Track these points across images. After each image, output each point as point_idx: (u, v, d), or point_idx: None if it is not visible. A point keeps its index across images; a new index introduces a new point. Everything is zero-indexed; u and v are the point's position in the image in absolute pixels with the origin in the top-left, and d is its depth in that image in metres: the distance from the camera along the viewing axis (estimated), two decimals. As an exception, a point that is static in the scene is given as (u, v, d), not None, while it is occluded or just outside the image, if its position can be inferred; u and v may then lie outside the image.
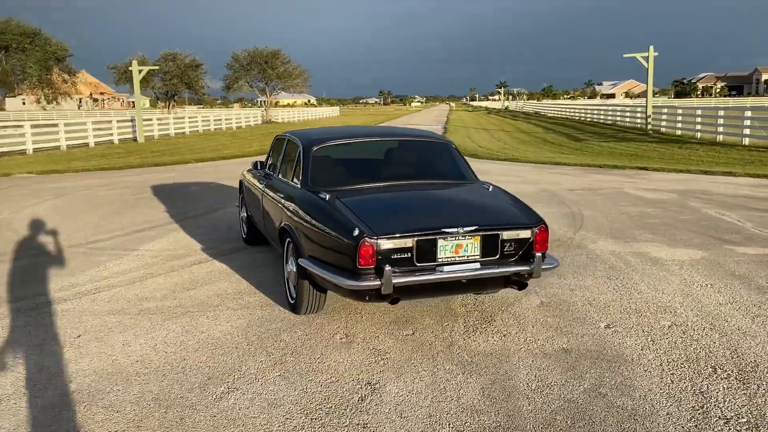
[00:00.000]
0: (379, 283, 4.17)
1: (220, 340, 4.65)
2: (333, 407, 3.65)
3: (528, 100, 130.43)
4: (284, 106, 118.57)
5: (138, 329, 4.89)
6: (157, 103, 55.18)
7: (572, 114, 51.60)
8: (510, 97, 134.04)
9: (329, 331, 4.80)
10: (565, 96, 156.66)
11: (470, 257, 4.46)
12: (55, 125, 27.41)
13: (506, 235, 4.54)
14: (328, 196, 4.83)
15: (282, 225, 5.28)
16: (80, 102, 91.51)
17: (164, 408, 3.64)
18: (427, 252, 4.34)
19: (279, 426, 3.44)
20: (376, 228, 4.29)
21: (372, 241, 4.21)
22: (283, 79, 53.93)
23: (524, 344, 4.56)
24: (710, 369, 4.15)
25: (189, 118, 39.34)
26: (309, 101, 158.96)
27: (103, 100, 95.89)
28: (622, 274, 6.30)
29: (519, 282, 4.65)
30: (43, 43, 40.00)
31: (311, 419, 3.51)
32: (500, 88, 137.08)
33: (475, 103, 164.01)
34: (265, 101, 56.07)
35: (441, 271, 4.37)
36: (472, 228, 4.42)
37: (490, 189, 5.30)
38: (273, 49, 53.60)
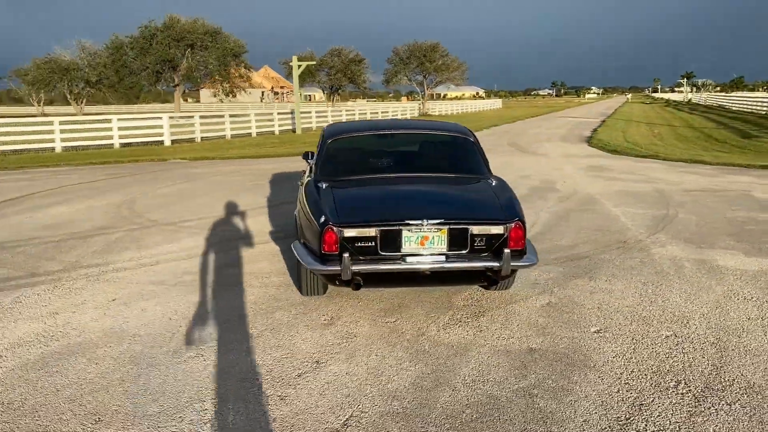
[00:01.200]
0: (339, 268, 4.40)
1: (221, 313, 5.15)
2: (270, 378, 3.97)
3: (718, 91, 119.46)
4: (452, 98, 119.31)
5: (163, 298, 5.53)
6: (328, 96, 58.18)
7: (759, 108, 46.67)
8: (694, 88, 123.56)
9: (319, 313, 5.10)
10: (763, 88, 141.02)
11: (436, 250, 4.53)
12: (222, 116, 30.11)
13: (476, 229, 4.54)
14: (325, 185, 5.15)
15: (295, 212, 5.68)
16: (262, 95, 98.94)
17: (132, 365, 4.18)
18: (391, 242, 4.49)
19: (212, 389, 3.83)
20: (342, 217, 4.52)
21: (335, 228, 4.45)
22: (441, 71, 54.50)
23: (494, 340, 4.55)
24: (673, 383, 3.90)
25: (346, 110, 41.14)
26: (477, 93, 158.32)
27: (283, 93, 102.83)
28: (663, 281, 5.91)
29: (490, 278, 4.63)
30: (223, 41, 43.79)
31: (243, 386, 3.86)
32: (684, 78, 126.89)
33: (657, 95, 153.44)
34: (431, 94, 56.99)
35: (404, 262, 4.50)
36: (438, 221, 4.49)
37: (493, 184, 5.27)
38: (432, 42, 54.35)
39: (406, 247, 4.51)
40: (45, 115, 49.42)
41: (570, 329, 4.76)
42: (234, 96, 45.48)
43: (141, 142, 25.15)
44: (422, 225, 4.47)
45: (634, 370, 4.07)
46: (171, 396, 3.74)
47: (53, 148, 22.61)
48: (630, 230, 8.08)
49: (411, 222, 4.47)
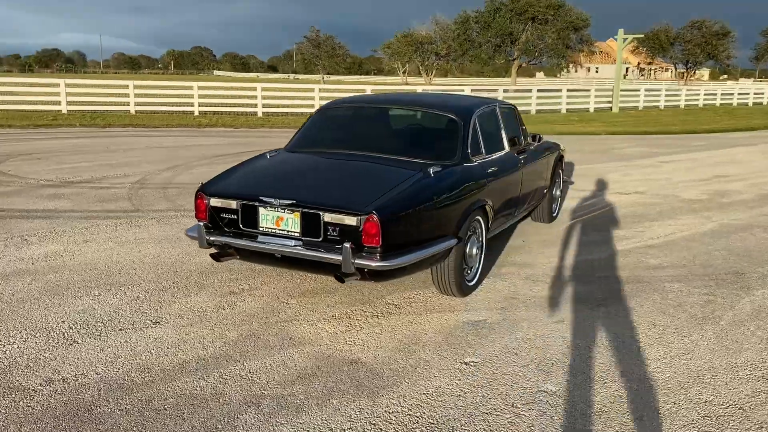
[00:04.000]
0: (197, 236, 4.40)
1: (183, 266, 5.50)
2: (100, 326, 4.21)
3: None
4: None
5: (173, 244, 6.10)
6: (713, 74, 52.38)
7: None
8: None
9: (246, 283, 5.09)
10: None
11: (290, 233, 4.16)
12: (529, 91, 29.77)
13: (328, 217, 4.01)
14: (270, 155, 5.10)
15: None
16: (626, 71, 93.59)
17: (46, 292, 4.83)
18: (250, 218, 4.28)
19: (53, 323, 4.26)
20: (213, 186, 4.47)
21: (204, 197, 4.43)
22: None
23: (338, 344, 4.03)
24: (425, 442, 3.03)
25: (688, 90, 36.62)
26: None
27: (651, 69, 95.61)
28: (685, 328, 4.41)
29: (340, 273, 4.05)
30: (565, 15, 42.72)
31: (70, 327, 4.19)
32: None
33: None
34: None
35: (256, 240, 4.25)
36: (289, 202, 4.10)
37: (432, 172, 4.46)
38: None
39: (263, 226, 4.25)
40: (407, 84, 54.98)
41: (440, 352, 3.94)
42: (567, 71, 44.20)
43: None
44: (273, 204, 4.16)
45: (414, 415, 3.25)
46: (20, 321, 4.29)
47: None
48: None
49: (264, 200, 4.19)
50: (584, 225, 7.28)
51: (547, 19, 42.70)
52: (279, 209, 4.17)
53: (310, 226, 4.09)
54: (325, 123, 5.52)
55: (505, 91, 29.02)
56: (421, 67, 51.00)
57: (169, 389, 3.44)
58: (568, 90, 31.11)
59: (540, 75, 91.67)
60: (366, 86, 27.01)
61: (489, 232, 5.22)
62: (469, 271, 4.92)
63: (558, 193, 7.37)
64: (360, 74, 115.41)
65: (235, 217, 4.35)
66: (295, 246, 4.14)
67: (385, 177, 4.43)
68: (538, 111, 28.71)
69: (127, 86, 23.55)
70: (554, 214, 7.34)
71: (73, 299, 4.70)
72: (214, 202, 4.42)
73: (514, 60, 45.72)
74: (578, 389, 3.53)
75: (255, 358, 3.82)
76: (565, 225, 7.27)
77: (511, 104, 6.35)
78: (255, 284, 5.06)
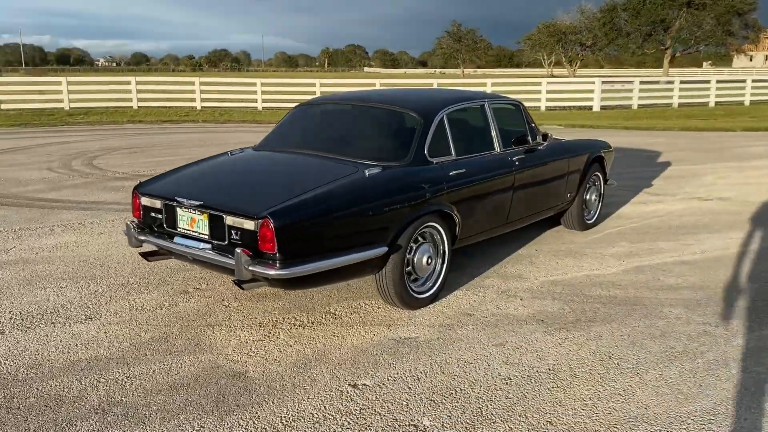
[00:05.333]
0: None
1: (167, 260, 5.59)
2: (60, 316, 4.38)
3: None
4: None
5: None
6: None
7: None
8: None
9: (204, 286, 5.07)
10: None
11: (201, 235, 4.02)
12: (656, 83, 27.35)
13: (230, 220, 3.81)
14: (230, 154, 5.02)
15: None
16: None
17: (24, 282, 5.12)
18: (171, 218, 4.20)
19: (26, 303, 4.48)
20: (146, 185, 4.44)
21: (138, 195, 4.41)
22: None
23: (226, 357, 3.86)
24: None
25: None
26: None
27: None
28: (663, 355, 3.72)
29: (236, 280, 3.83)
30: (726, -2, 38.84)
31: (40, 314, 4.38)
32: None
33: None
34: None
35: (171, 241, 4.17)
36: (197, 203, 3.96)
37: (366, 174, 4.12)
38: None
39: (180, 226, 4.15)
40: (553, 76, 52.88)
41: (337, 371, 3.62)
42: (730, 60, 40.08)
43: (568, 107, 25.25)
44: (183, 205, 4.05)
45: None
46: (-24, 308, 4.56)
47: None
48: None
49: (178, 200, 4.08)
50: (622, 234, 6.46)
51: (705, 4, 38.98)
52: (191, 210, 4.06)
53: (217, 228, 3.94)
54: (295, 122, 5.32)
55: (642, 83, 26.86)
56: (564, 59, 48.77)
57: (39, 388, 3.45)
58: (718, 81, 28.19)
59: (706, 65, 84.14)
60: (486, 81, 26.29)
61: (459, 241, 4.77)
62: (423, 283, 4.52)
63: (593, 197, 6.59)
64: (510, 66, 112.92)
65: (160, 216, 4.31)
66: (203, 249, 4.01)
67: (309, 178, 4.16)
68: (680, 104, 26.38)
69: (254, 84, 24.78)
70: (590, 221, 6.59)
71: (38, 290, 4.90)
72: (144, 201, 4.40)
73: (666, 49, 42.32)
74: (457, 428, 3.07)
75: (145, 363, 3.74)
76: (599, 234, 6.50)
77: (514, 101, 5.75)
78: (213, 284, 5.00)
